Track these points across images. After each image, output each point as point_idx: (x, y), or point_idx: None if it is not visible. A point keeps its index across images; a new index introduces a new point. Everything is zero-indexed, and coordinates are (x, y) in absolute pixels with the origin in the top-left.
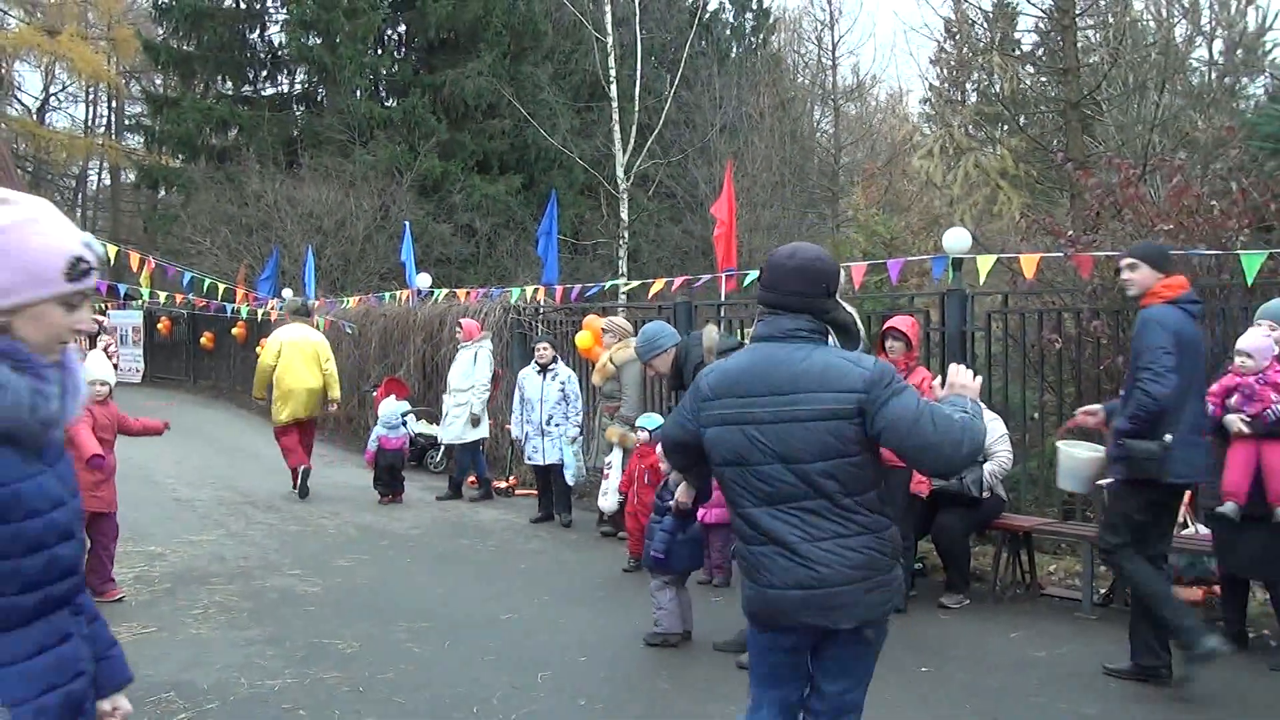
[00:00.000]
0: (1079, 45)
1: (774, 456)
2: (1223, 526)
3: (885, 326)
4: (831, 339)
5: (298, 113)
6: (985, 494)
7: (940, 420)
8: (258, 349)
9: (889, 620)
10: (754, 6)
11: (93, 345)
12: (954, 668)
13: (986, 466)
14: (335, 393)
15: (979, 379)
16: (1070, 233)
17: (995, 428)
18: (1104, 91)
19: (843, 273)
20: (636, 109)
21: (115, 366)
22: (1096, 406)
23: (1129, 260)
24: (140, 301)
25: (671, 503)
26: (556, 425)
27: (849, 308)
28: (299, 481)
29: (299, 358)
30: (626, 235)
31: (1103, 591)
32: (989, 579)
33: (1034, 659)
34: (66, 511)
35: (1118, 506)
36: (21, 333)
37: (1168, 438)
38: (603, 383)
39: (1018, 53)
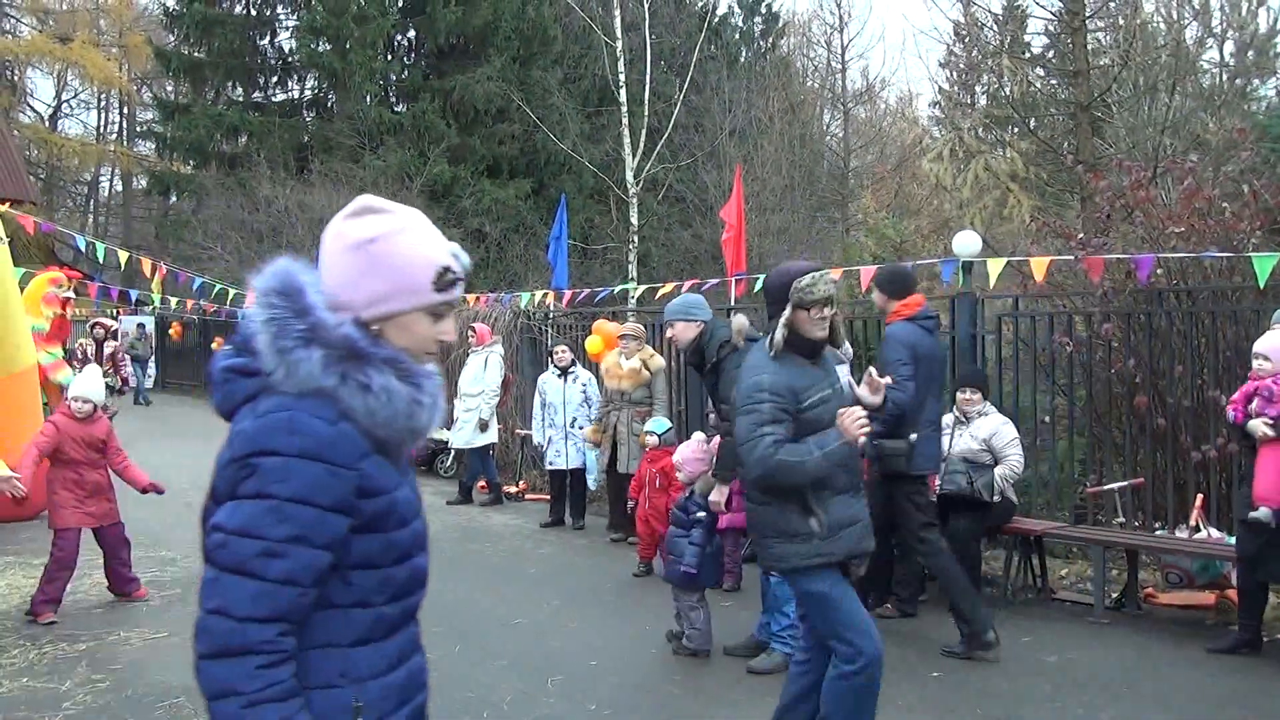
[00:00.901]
0: (1089, 47)
1: None
2: (1252, 535)
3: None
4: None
5: (308, 118)
6: (996, 498)
7: (751, 453)
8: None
9: (797, 576)
10: (763, 10)
11: (99, 352)
12: (966, 672)
13: (997, 470)
14: None
15: (864, 428)
16: (1081, 235)
17: (1006, 431)
18: (1114, 94)
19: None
20: (646, 113)
21: (123, 377)
22: None
23: (870, 284)
24: (152, 307)
25: (700, 514)
26: (580, 428)
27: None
28: None
29: None
30: (636, 239)
31: (1115, 595)
32: (1000, 583)
33: (1046, 663)
34: (421, 522)
35: (901, 504)
36: (392, 342)
37: (913, 437)
38: (634, 388)
39: (1027, 55)
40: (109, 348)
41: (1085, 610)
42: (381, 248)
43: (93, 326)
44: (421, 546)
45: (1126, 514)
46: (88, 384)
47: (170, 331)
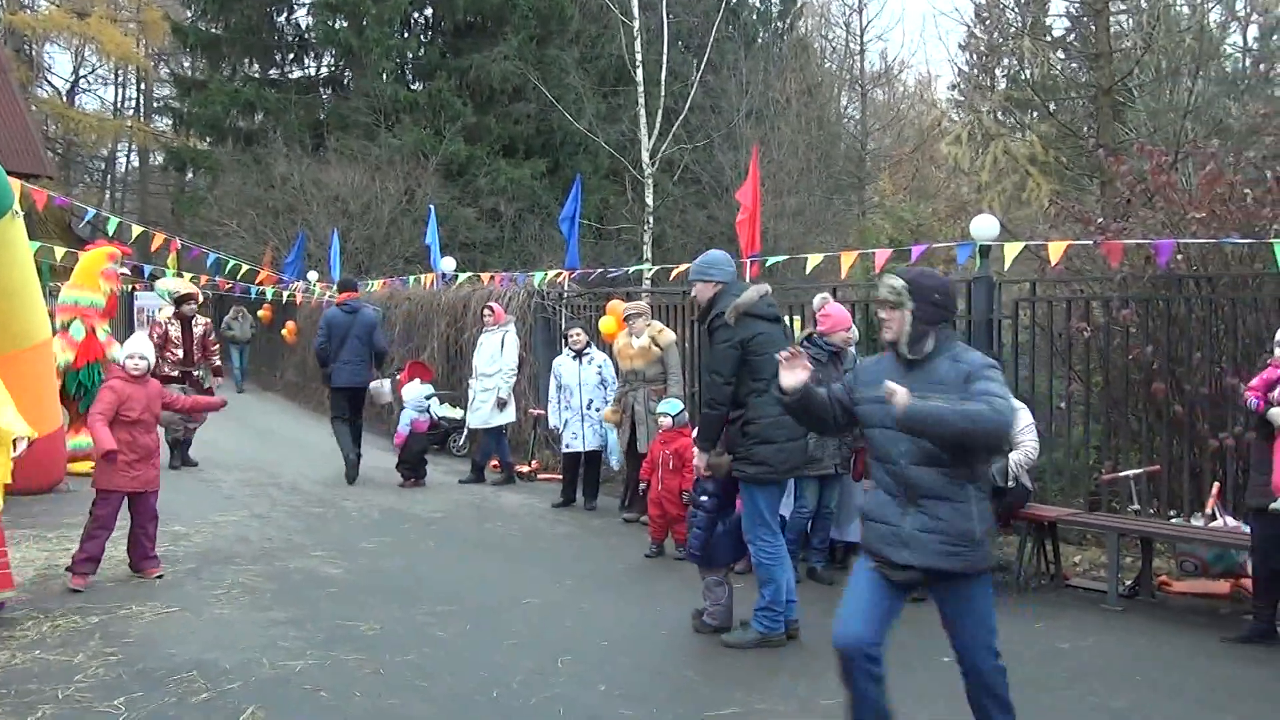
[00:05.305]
0: (1111, 30)
1: None
2: (1266, 524)
3: None
4: None
5: (324, 96)
6: (1010, 483)
7: None
8: (283, 331)
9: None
10: None
11: (187, 333)
12: None
13: (1012, 456)
14: None
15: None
16: (1100, 220)
17: (1021, 417)
18: (1136, 77)
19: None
20: (662, 94)
21: (215, 368)
22: None
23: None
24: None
25: (704, 499)
26: (597, 410)
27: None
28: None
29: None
30: (651, 220)
31: (1129, 583)
32: (1013, 569)
33: (1059, 650)
34: None
35: None
36: None
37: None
38: (646, 366)
39: (1049, 38)
40: (199, 328)
41: (1099, 598)
42: None
43: (180, 301)
44: None
45: (1142, 501)
46: (140, 344)
47: (260, 315)
